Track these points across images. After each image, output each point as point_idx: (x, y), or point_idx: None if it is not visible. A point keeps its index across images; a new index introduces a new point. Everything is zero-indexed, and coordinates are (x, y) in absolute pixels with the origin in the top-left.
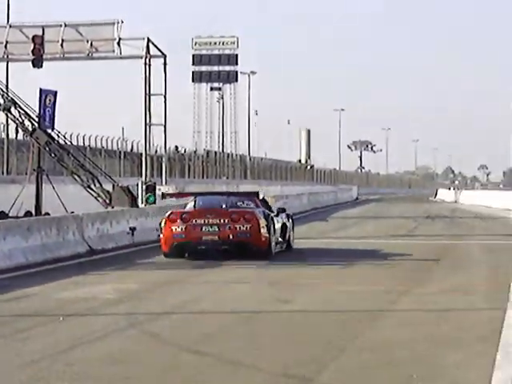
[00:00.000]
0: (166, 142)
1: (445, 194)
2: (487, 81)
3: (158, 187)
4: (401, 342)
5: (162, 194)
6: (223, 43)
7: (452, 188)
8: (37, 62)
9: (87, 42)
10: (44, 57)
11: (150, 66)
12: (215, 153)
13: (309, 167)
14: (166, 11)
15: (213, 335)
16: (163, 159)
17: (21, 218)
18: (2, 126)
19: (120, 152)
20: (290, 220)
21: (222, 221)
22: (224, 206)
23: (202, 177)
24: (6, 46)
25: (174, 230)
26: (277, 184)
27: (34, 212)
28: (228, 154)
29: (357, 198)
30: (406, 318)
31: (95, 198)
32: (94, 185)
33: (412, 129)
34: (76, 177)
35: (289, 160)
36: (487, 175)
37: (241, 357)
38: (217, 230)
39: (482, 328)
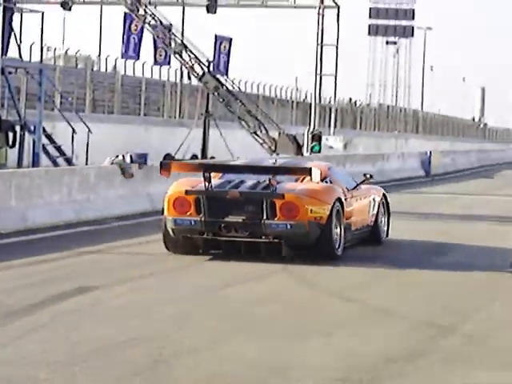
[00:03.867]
0: (335, 92)
1: None
2: None
3: (324, 137)
4: None
5: None
6: None
7: None
8: (211, 8)
9: None
10: (218, 2)
11: (323, 16)
12: (388, 106)
13: (481, 125)
14: None
15: (364, 284)
16: (332, 110)
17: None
18: (175, 70)
19: (292, 101)
20: None
21: None
22: None
23: (374, 129)
24: None
25: None
26: (446, 140)
27: (200, 155)
28: (400, 108)
29: None
30: None
31: (260, 144)
32: (261, 131)
33: None
34: (243, 122)
35: (462, 117)
36: None
37: (388, 305)
38: None
39: None
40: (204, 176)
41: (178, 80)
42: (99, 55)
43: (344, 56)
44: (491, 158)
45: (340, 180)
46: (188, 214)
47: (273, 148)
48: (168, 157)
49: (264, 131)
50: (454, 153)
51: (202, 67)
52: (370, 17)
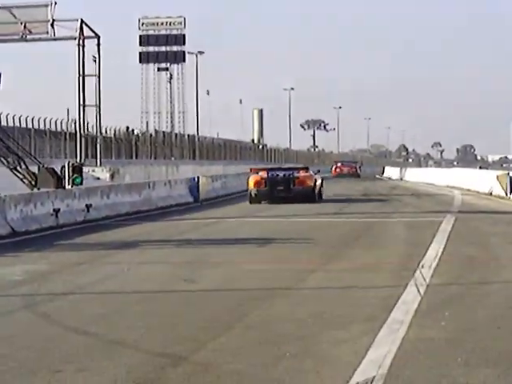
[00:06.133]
0: (100, 122)
1: (391, 172)
2: (439, 55)
3: (91, 168)
4: (290, 320)
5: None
6: (170, 23)
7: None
8: None
9: (21, 23)
10: None
11: (83, 46)
12: (163, 133)
13: (261, 147)
14: None
15: (105, 315)
16: (98, 140)
17: None
18: None
19: (65, 133)
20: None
21: None
22: None
23: (151, 157)
24: None
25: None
26: (219, 164)
27: None
28: (176, 134)
29: None
30: (305, 296)
31: (21, 179)
32: (20, 167)
33: (365, 107)
34: (2, 159)
35: (242, 140)
36: (441, 153)
37: (124, 336)
38: None
39: (376, 306)
40: (268, 172)
41: None
42: None
43: (120, 85)
44: None
45: (312, 171)
46: (261, 187)
47: (33, 183)
48: None
49: (24, 166)
50: (225, 176)
51: None
52: (140, 44)
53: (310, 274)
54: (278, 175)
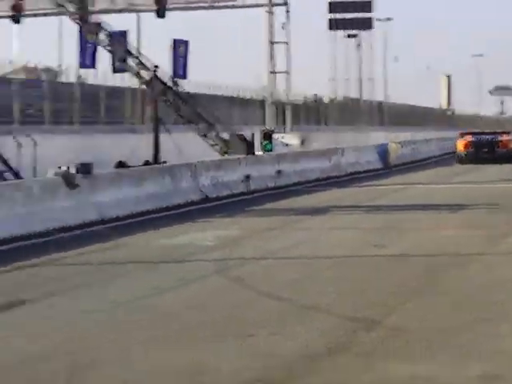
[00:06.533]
0: (289, 89)
1: None
2: None
3: (281, 135)
4: (482, 287)
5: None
6: None
7: None
8: (161, 12)
9: None
10: (167, 7)
11: (272, 14)
12: (351, 100)
13: (449, 113)
14: None
15: (297, 280)
16: (287, 107)
17: (136, 168)
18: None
19: (258, 101)
20: None
21: None
22: None
23: (339, 124)
24: None
25: None
26: (407, 130)
27: (152, 161)
28: (365, 101)
29: None
30: (499, 262)
31: (212, 146)
32: (211, 133)
33: None
34: (193, 125)
35: (430, 106)
36: None
37: (316, 301)
38: None
39: None
40: (473, 136)
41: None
42: (60, 66)
43: (307, 52)
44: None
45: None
46: (468, 149)
47: (224, 149)
48: (121, 164)
49: (215, 133)
50: (414, 143)
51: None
52: (330, 11)
53: (502, 239)
54: (482, 139)
